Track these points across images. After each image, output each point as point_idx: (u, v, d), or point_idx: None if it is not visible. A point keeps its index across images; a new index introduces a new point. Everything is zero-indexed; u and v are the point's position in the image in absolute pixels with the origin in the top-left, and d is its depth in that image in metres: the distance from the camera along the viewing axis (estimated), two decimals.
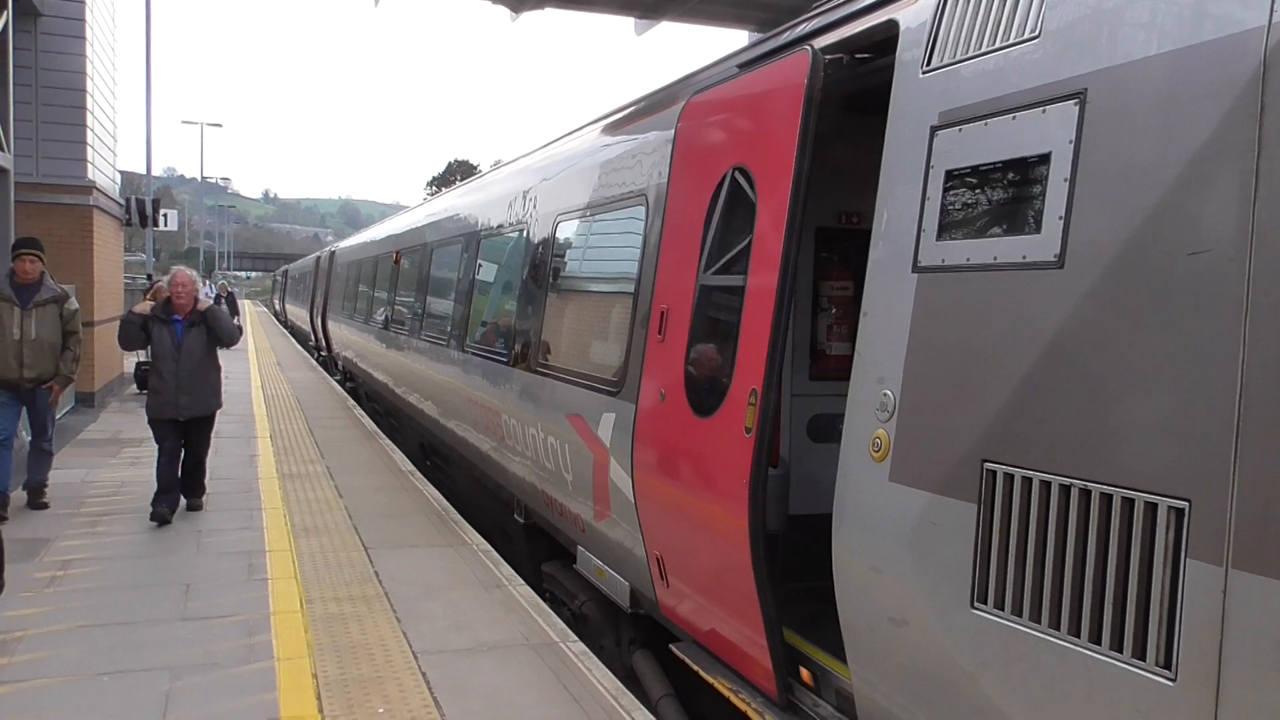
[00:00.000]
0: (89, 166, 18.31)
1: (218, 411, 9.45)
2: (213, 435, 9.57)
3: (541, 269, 7.92)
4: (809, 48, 4.40)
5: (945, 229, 3.53)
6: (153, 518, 8.73)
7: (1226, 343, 2.57)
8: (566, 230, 7.62)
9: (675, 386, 5.19)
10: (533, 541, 8.51)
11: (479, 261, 10.28)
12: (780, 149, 4.44)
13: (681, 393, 5.12)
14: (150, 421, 9.05)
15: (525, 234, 8.56)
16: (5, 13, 15.36)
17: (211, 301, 9.39)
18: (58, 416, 9.12)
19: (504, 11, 21.68)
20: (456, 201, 12.59)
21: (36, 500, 9.23)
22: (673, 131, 5.76)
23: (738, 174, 4.85)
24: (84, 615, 6.27)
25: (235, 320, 26.62)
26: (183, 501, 9.30)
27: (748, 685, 4.76)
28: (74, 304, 9.42)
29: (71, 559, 7.52)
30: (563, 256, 7.68)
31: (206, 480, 9.59)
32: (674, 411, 5.18)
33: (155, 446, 9.20)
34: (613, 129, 7.35)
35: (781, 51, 4.91)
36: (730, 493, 4.52)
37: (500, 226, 9.57)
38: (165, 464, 9.03)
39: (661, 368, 5.39)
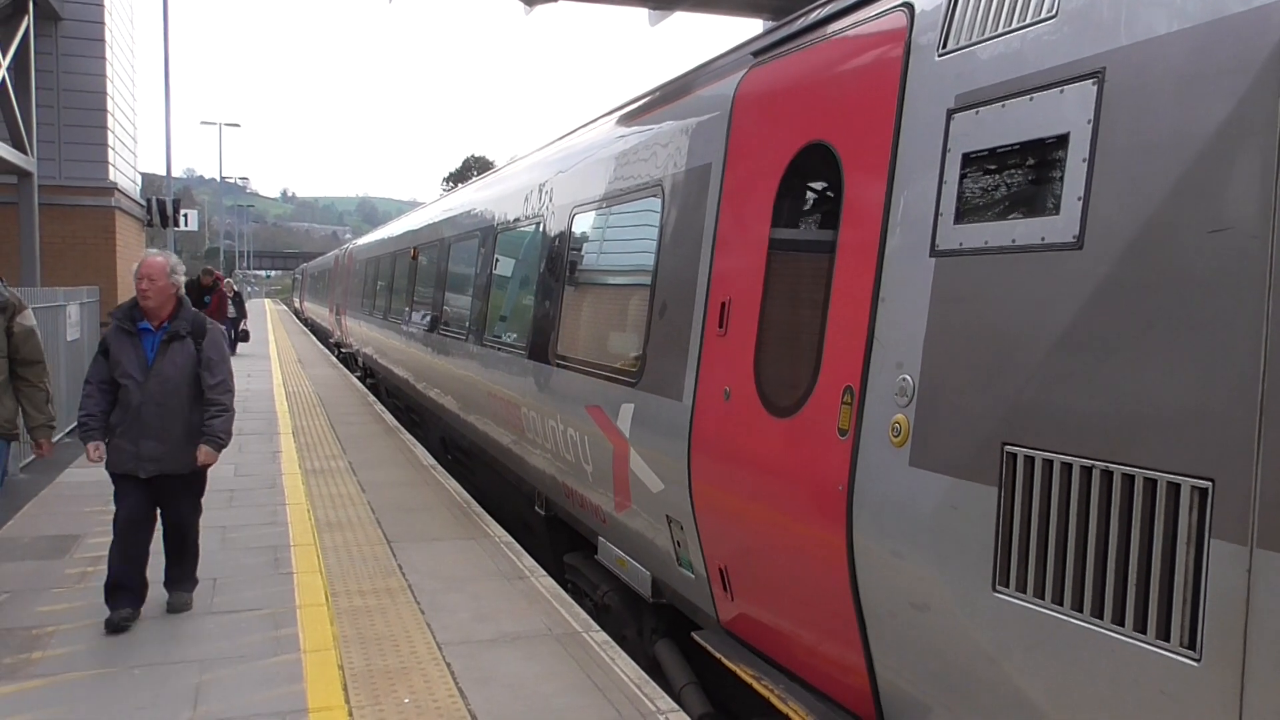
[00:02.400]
0: (110, 168, 18.47)
1: (206, 468, 6.31)
2: (201, 504, 6.54)
3: (559, 262, 7.93)
4: (906, 6, 4.01)
5: (963, 212, 3.52)
6: (107, 625, 5.98)
7: (1249, 320, 2.55)
8: (586, 223, 7.62)
9: (744, 384, 4.78)
10: (554, 533, 8.54)
11: (496, 256, 10.30)
12: (873, 120, 4.07)
13: (752, 391, 4.69)
14: (111, 477, 6.21)
15: (542, 227, 8.57)
16: (26, 18, 15.50)
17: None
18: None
19: (518, 5, 21.69)
20: (473, 196, 12.61)
21: None
22: (728, 109, 5.35)
23: (817, 150, 4.46)
24: None
25: (243, 325, 26.16)
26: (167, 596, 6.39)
27: (789, 679, 4.74)
28: (29, 319, 6.63)
29: (101, 555, 7.55)
30: (580, 249, 7.69)
31: (198, 567, 6.57)
32: (743, 412, 4.76)
33: None
34: (645, 113, 7.07)
35: (796, 39, 4.90)
36: (821, 504, 4.10)
37: (517, 220, 9.59)
38: (117, 540, 6.15)
39: (725, 364, 4.98)
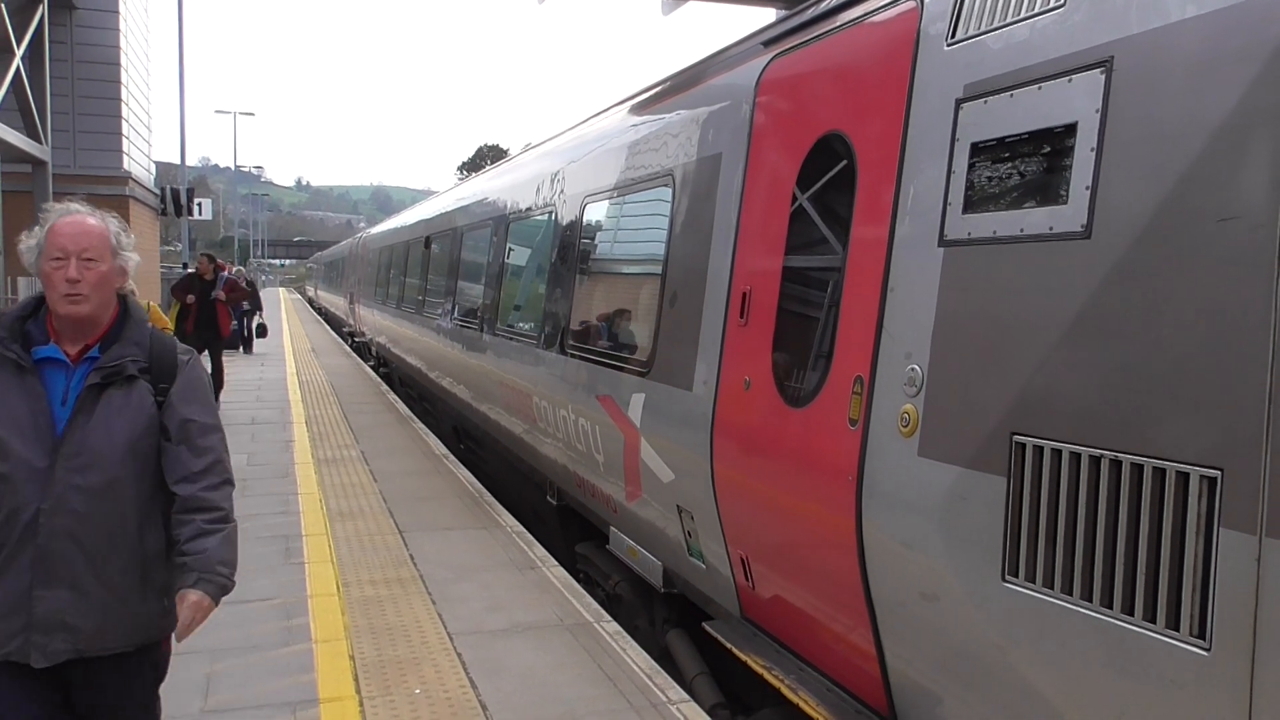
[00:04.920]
0: (124, 157, 18.56)
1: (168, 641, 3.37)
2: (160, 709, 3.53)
3: (571, 251, 7.93)
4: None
5: (971, 202, 3.50)
6: None
7: (1257, 309, 2.54)
8: (598, 212, 7.61)
9: (762, 374, 4.77)
10: (565, 523, 8.56)
11: (509, 245, 10.30)
12: (883, 110, 4.06)
13: (770, 381, 4.69)
14: None
15: (554, 216, 8.56)
16: (41, 6, 15.55)
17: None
18: None
19: None
20: (486, 185, 12.61)
21: None
22: (750, 99, 5.27)
23: (834, 141, 4.44)
24: None
25: (259, 319, 24.85)
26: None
27: (793, 666, 4.75)
28: None
29: None
30: (592, 239, 7.68)
31: None
32: (762, 401, 4.75)
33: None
34: (659, 102, 6.98)
35: (810, 28, 4.88)
36: (833, 493, 4.10)
37: (529, 209, 9.58)
38: None
39: (745, 354, 4.95)
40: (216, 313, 14.34)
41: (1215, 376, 2.64)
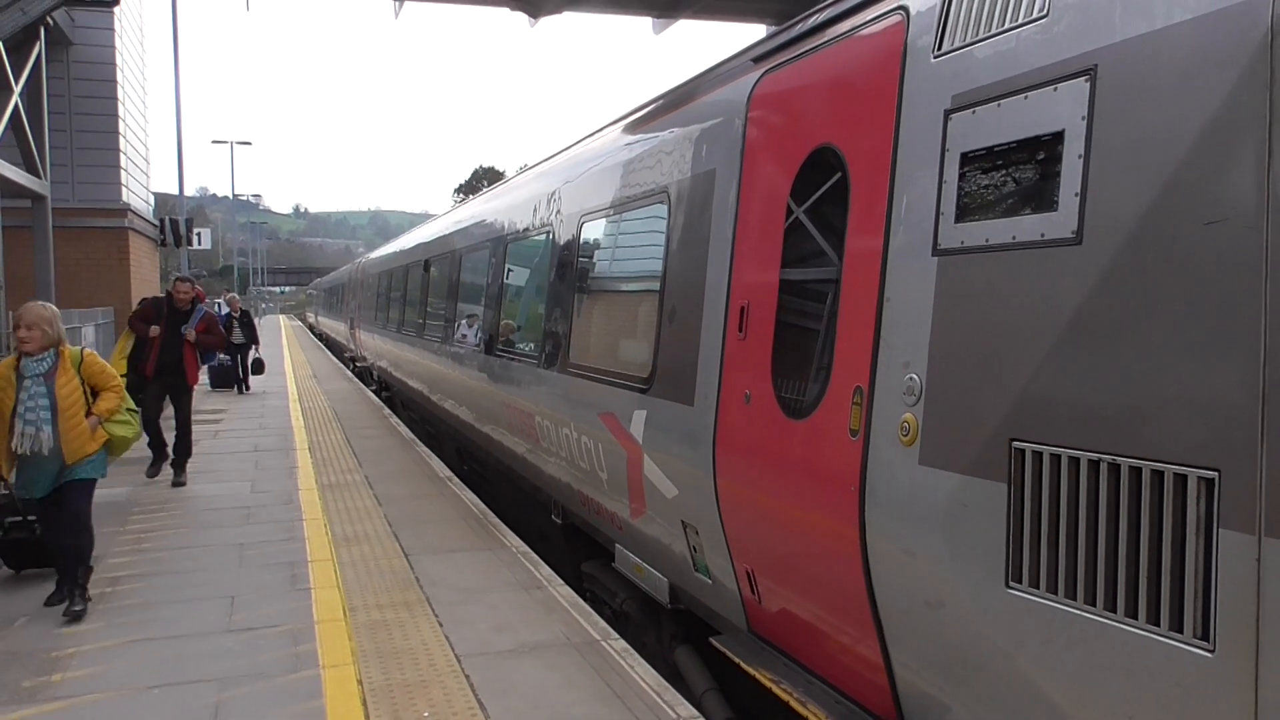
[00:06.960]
0: (123, 190, 18.63)
1: None
2: None
3: (569, 270, 7.95)
4: (903, 11, 4.03)
5: (963, 211, 3.53)
6: None
7: (1248, 310, 2.56)
8: (595, 230, 7.64)
9: (762, 387, 4.80)
10: (571, 541, 8.55)
11: (508, 266, 10.34)
12: (874, 123, 4.10)
13: (770, 394, 4.72)
14: None
15: (552, 236, 8.60)
16: (38, 44, 15.65)
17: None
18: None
19: (523, 17, 21.75)
20: (484, 207, 12.66)
21: None
22: (742, 115, 5.32)
23: (827, 154, 4.48)
24: (133, 630, 6.38)
25: (255, 353, 23.87)
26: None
27: (805, 681, 4.74)
28: None
29: (118, 576, 7.64)
30: (590, 257, 7.71)
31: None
32: (763, 415, 4.78)
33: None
34: (652, 120, 7.04)
35: (798, 44, 4.92)
36: (836, 504, 4.13)
37: (527, 230, 9.61)
38: None
39: (745, 368, 4.98)
40: (183, 355, 11.41)
41: (1209, 377, 2.65)
